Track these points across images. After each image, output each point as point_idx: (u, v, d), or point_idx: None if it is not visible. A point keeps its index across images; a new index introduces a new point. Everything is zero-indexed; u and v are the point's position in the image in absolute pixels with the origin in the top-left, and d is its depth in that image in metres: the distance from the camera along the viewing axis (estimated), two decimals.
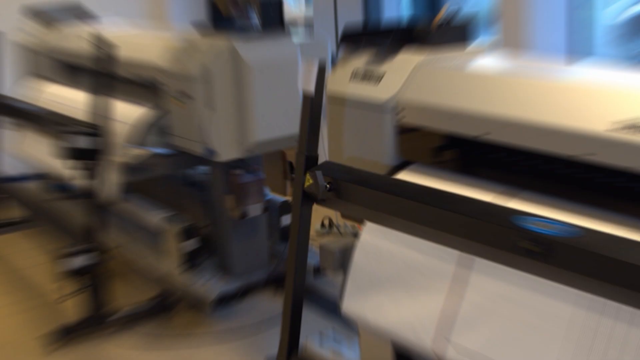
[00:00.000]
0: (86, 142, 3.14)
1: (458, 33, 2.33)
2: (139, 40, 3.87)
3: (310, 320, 3.18)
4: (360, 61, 2.35)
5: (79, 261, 3.11)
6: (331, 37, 4.23)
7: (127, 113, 3.44)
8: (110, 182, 3.39)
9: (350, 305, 2.18)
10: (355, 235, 2.20)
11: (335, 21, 4.47)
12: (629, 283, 1.37)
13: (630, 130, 1.50)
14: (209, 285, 3.42)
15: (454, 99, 2.08)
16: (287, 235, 3.47)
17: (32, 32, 4.49)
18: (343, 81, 2.36)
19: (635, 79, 1.89)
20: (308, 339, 2.67)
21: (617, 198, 1.78)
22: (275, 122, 3.25)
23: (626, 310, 1.45)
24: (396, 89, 2.21)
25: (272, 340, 2.83)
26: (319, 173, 2.05)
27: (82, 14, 4.35)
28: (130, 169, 3.34)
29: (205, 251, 3.63)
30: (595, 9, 3.67)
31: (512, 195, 1.93)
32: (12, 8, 4.65)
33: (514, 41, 3.58)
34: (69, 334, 3.23)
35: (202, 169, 3.82)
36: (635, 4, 3.44)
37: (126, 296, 3.62)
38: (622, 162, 1.57)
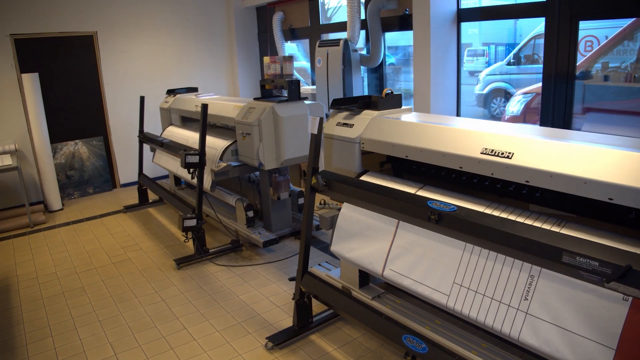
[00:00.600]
0: (194, 158, 4.19)
1: (394, 101, 3.06)
2: (223, 104, 4.86)
3: (314, 255, 4.36)
4: (341, 116, 3.08)
5: (191, 222, 4.24)
6: (325, 103, 5.34)
7: (216, 143, 4.63)
8: (207, 180, 4.45)
9: (335, 247, 2.90)
10: (339, 209, 2.94)
11: (327, 95, 5.49)
12: (481, 235, 1.99)
13: (490, 154, 2.21)
14: (260, 235, 4.37)
15: (391, 137, 2.70)
16: (301, 208, 4.79)
17: (168, 101, 5.87)
18: (332, 127, 3.07)
19: (493, 126, 2.57)
20: (313, 266, 3.47)
21: (477, 190, 2.40)
22: (295, 148, 4.26)
23: (485, 250, 2.16)
24: (361, 131, 2.89)
25: (293, 266, 4.17)
26: (319, 176, 2.78)
27: (193, 91, 5.84)
28: (218, 173, 4.27)
29: (258, 217, 4.66)
30: (471, 85, 4.71)
31: (421, 187, 2.64)
32: (162, 89, 6.43)
33: (423, 106, 4.60)
34: (186, 260, 4.36)
35: (256, 173, 4.74)
36: (494, 81, 4.57)
37: (216, 241, 4.91)
38: (484, 172, 2.21)
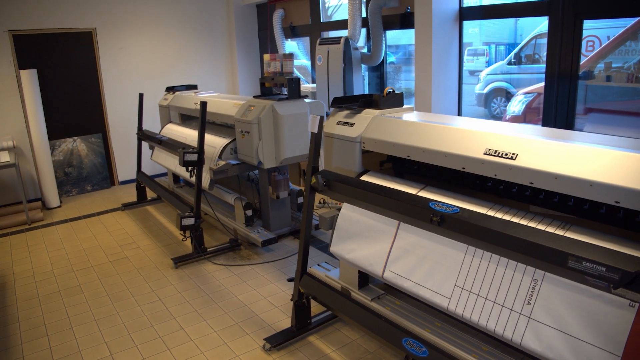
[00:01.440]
0: (192, 156, 4.17)
1: (395, 100, 3.05)
2: (222, 101, 4.90)
3: (313, 255, 4.35)
4: (342, 114, 3.09)
5: (189, 220, 4.22)
6: (326, 102, 5.33)
7: (215, 141, 4.63)
8: (206, 178, 4.47)
9: (335, 248, 2.92)
10: (338, 209, 2.97)
11: (328, 93, 5.48)
12: (484, 237, 1.95)
13: (493, 154, 2.17)
14: (258, 234, 4.38)
15: (392, 136, 2.71)
16: (301, 208, 4.79)
17: (167, 98, 5.86)
18: (333, 125, 3.08)
19: (496, 126, 2.56)
20: (312, 266, 3.51)
21: (480, 191, 2.39)
22: (295, 147, 4.26)
23: (487, 253, 2.14)
24: (362, 130, 2.90)
25: (292, 266, 4.15)
26: (319, 176, 2.78)
27: (193, 88, 5.84)
28: (217, 171, 4.29)
29: (256, 216, 4.69)
30: (471, 84, 4.72)
31: (422, 188, 2.65)
32: (161, 87, 6.43)
33: (425, 105, 4.59)
34: (184, 259, 4.35)
35: (255, 172, 4.76)
36: (494, 80, 4.57)
37: (214, 240, 4.92)
38: (488, 173, 2.19)
